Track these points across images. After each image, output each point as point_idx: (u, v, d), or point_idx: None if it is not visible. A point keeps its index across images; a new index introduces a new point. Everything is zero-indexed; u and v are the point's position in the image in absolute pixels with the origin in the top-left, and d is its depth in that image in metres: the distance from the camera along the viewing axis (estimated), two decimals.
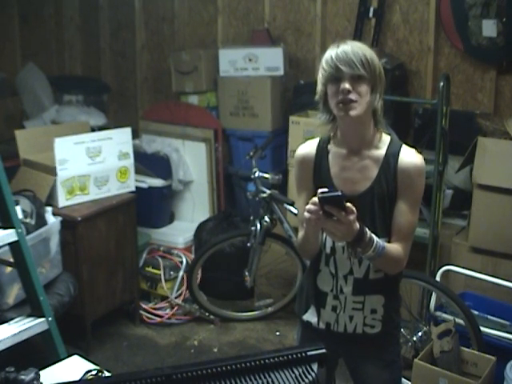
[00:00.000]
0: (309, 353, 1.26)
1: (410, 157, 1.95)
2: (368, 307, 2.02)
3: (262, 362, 1.22)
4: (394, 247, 1.93)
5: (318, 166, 2.01)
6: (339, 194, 1.73)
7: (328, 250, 2.02)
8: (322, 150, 2.02)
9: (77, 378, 1.85)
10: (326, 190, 1.74)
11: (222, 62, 4.35)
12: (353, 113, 1.86)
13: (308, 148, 2.05)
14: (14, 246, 2.63)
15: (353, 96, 1.84)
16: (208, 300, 4.03)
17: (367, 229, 1.83)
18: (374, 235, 1.85)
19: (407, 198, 1.94)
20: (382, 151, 1.96)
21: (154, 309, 4.06)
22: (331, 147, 2.01)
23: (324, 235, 1.99)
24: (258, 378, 1.21)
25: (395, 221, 1.95)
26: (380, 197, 1.94)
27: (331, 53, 1.87)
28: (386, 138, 1.99)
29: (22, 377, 1.71)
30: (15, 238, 2.58)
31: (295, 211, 3.59)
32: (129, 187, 3.86)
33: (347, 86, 1.83)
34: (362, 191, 1.95)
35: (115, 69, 5.28)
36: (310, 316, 2.11)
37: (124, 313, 4.01)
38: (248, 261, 3.79)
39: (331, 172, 1.99)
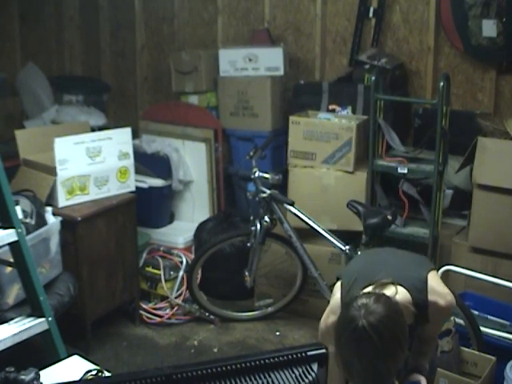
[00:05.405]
0: (309, 353, 1.26)
1: (439, 299, 2.05)
2: None
3: (262, 361, 1.22)
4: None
5: None
6: None
7: None
8: None
9: (77, 378, 1.85)
10: None
11: (222, 62, 4.34)
12: None
13: None
14: (14, 246, 2.62)
15: None
16: (208, 300, 4.02)
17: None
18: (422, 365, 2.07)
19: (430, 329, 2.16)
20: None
21: (154, 309, 4.05)
22: None
23: None
24: (257, 377, 1.21)
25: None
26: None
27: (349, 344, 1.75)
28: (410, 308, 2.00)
29: (22, 377, 1.71)
30: (15, 238, 2.58)
31: (295, 211, 3.59)
32: (129, 187, 3.86)
33: None
34: None
35: (115, 69, 5.28)
36: None
37: (124, 313, 4.00)
38: (248, 261, 3.79)
39: None
